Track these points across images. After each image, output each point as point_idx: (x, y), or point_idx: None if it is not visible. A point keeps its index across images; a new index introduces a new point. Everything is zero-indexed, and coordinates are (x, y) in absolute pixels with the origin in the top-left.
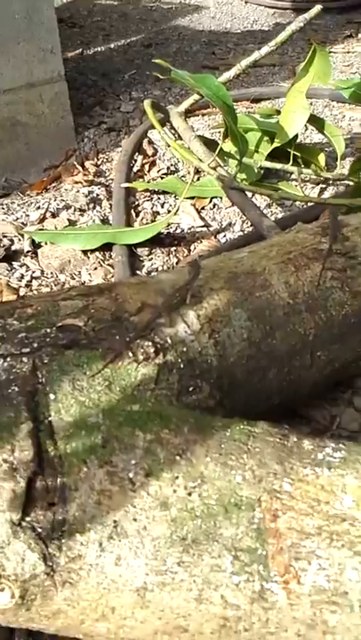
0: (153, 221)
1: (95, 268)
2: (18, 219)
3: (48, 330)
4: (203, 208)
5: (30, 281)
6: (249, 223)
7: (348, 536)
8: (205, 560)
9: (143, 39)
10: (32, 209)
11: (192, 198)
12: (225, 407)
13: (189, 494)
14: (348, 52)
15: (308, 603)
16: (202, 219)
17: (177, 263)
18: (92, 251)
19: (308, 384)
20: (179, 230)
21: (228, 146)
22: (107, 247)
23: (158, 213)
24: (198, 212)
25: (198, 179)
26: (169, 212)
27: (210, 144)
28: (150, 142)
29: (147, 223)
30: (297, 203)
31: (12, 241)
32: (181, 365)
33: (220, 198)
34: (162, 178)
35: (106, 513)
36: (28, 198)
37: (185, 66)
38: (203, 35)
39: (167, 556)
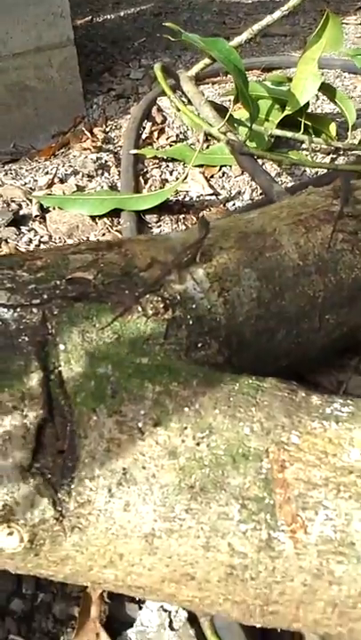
0: (162, 189)
1: (103, 234)
2: (26, 184)
3: (58, 282)
4: (212, 176)
5: (38, 245)
6: (258, 192)
7: (356, 488)
8: (213, 508)
9: (153, 8)
10: (40, 174)
11: (201, 166)
12: (233, 365)
13: (198, 444)
14: None
15: (315, 552)
16: (211, 187)
17: (185, 230)
18: (101, 217)
19: (317, 347)
20: (187, 198)
21: (239, 113)
22: (115, 213)
23: (167, 181)
24: (207, 181)
25: (208, 146)
26: (178, 179)
27: (220, 110)
28: (159, 109)
29: (155, 190)
30: (307, 172)
31: (20, 205)
32: (190, 322)
33: (230, 167)
34: (171, 145)
35: (115, 460)
36: (37, 164)
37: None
38: (213, 4)
39: (175, 503)
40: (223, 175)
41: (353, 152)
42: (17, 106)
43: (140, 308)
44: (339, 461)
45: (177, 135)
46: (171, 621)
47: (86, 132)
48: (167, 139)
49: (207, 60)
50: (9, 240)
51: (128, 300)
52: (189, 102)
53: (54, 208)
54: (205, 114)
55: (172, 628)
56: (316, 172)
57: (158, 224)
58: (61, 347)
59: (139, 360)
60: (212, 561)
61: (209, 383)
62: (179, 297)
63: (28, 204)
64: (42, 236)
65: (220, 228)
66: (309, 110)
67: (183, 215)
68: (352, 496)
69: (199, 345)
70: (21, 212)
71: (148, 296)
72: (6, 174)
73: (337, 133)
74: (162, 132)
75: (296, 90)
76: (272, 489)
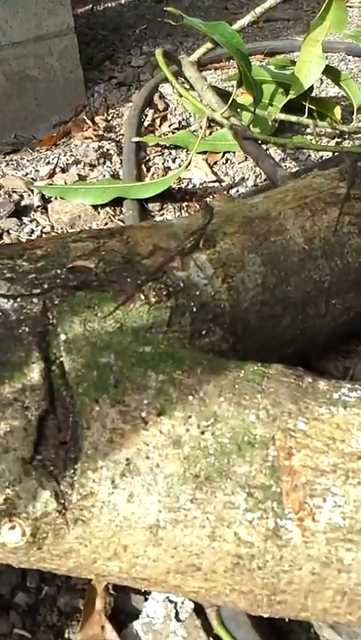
0: (164, 177)
1: (106, 224)
2: (27, 174)
3: (58, 271)
4: (215, 163)
5: (40, 236)
6: (263, 178)
7: None
8: (219, 497)
9: None
10: (42, 164)
11: (204, 153)
12: (238, 352)
13: (202, 433)
14: None
15: (323, 540)
16: (214, 174)
17: (188, 216)
18: (103, 206)
19: (323, 333)
20: (190, 185)
21: (242, 99)
22: (117, 202)
23: (170, 169)
24: (210, 167)
25: (211, 133)
26: (180, 167)
27: (223, 95)
28: (161, 96)
29: (158, 178)
30: (312, 157)
31: (21, 196)
32: (194, 309)
33: (233, 153)
34: (173, 132)
35: (118, 451)
36: (38, 154)
37: None
38: None
39: (180, 493)
40: (227, 162)
41: (359, 135)
42: (17, 95)
43: (142, 296)
44: (347, 447)
45: (179, 122)
46: (177, 612)
47: (88, 120)
48: (170, 126)
49: (209, 45)
50: (11, 231)
51: (130, 288)
52: (192, 88)
53: (56, 198)
54: (208, 99)
55: (178, 620)
56: (321, 157)
57: (161, 212)
58: (63, 337)
59: (142, 349)
60: (218, 551)
61: (213, 371)
62: (182, 284)
63: (29, 195)
64: (44, 227)
65: (223, 213)
66: (314, 94)
67: (186, 203)
68: None
69: (203, 332)
70: (23, 203)
71: (150, 284)
72: (7, 165)
73: (342, 117)
74: (164, 119)
75: (300, 73)
76: (279, 477)
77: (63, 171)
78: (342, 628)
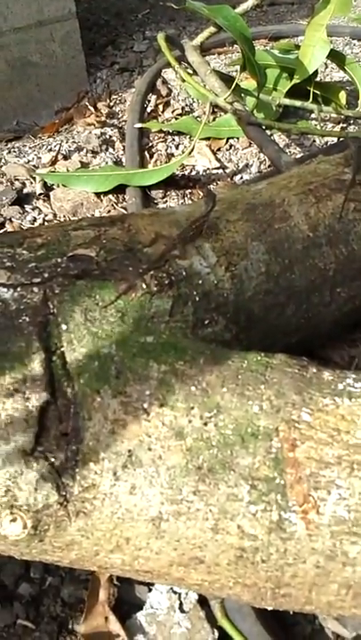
0: (167, 163)
1: (108, 211)
2: (29, 161)
3: (59, 260)
4: (219, 149)
5: (42, 224)
6: (266, 164)
7: None
8: (222, 489)
9: None
10: (44, 151)
11: (208, 139)
12: (241, 342)
13: (205, 424)
14: None
15: (328, 533)
16: (218, 160)
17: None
18: (105, 193)
19: (327, 322)
20: (194, 172)
21: (246, 84)
22: (120, 190)
23: (173, 155)
24: (214, 153)
25: (214, 119)
26: (184, 153)
27: (226, 80)
28: (164, 82)
29: (161, 165)
30: (316, 142)
31: (23, 184)
32: (197, 298)
33: (237, 139)
34: (176, 118)
35: (120, 442)
36: (40, 141)
37: None
38: None
39: (183, 485)
40: (230, 148)
41: None
42: (19, 81)
43: (144, 285)
44: (352, 439)
45: (182, 108)
46: (181, 604)
47: (90, 107)
48: (173, 112)
49: (212, 29)
50: (13, 219)
51: (132, 276)
52: (195, 73)
53: (58, 186)
54: (211, 84)
55: (182, 611)
56: (326, 143)
57: (164, 199)
58: (63, 327)
59: (143, 339)
60: (221, 544)
61: (216, 361)
62: (184, 273)
63: (31, 182)
64: (46, 215)
65: (226, 200)
66: (318, 78)
67: (190, 190)
68: None
69: (206, 322)
70: (25, 191)
71: (152, 272)
72: (9, 152)
73: (347, 102)
74: (167, 104)
75: (304, 57)
76: (283, 469)
77: (65, 158)
78: (347, 620)
